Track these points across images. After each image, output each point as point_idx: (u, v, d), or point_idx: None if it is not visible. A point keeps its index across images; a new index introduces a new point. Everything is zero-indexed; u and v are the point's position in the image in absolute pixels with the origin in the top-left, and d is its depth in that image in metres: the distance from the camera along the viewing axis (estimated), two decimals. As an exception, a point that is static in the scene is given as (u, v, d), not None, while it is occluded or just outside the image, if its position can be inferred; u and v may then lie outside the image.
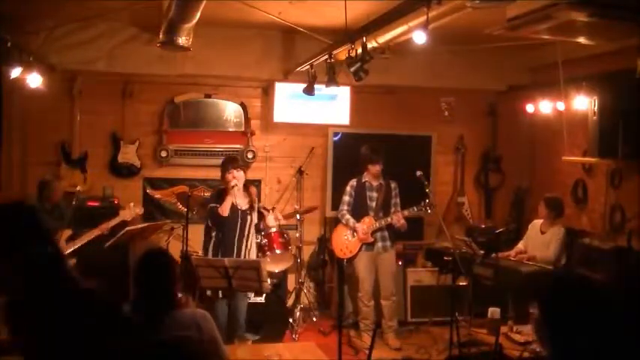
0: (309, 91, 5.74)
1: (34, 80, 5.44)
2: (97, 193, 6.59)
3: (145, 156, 6.83)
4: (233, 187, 5.01)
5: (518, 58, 7.02)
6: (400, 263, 6.61)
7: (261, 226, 5.54)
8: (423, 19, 3.66)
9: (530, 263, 5.57)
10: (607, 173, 6.16)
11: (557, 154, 6.59)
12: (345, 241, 6.09)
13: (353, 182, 6.12)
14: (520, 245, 5.96)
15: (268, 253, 5.76)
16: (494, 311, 4.61)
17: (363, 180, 6.09)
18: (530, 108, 6.77)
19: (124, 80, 6.71)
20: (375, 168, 5.97)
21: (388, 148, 6.13)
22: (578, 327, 2.03)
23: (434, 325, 6.41)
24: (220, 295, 5.07)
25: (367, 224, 5.96)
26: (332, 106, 7.04)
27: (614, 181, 6.08)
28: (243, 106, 7.06)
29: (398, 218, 5.89)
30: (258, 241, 5.66)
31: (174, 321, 3.08)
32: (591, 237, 5.95)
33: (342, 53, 5.04)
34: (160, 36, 5.01)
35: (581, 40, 4.51)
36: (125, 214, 5.65)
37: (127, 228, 5.60)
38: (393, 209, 6.02)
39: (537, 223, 5.90)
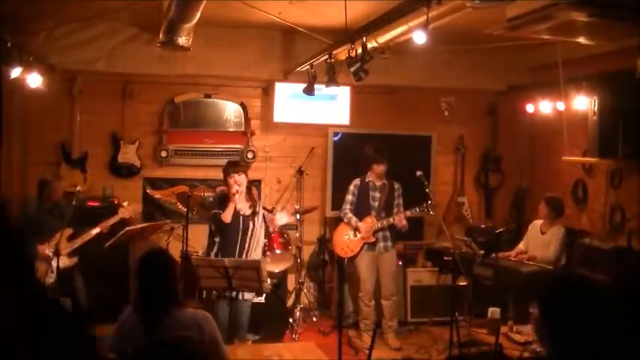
0: (309, 91, 5.74)
1: (34, 80, 5.44)
2: (97, 193, 6.59)
3: (145, 156, 6.83)
4: (234, 194, 5.00)
5: (518, 58, 7.02)
6: (400, 263, 6.62)
7: (270, 229, 5.49)
8: (423, 19, 3.66)
9: (530, 263, 5.57)
10: (607, 173, 6.16)
11: (557, 154, 6.58)
12: (347, 240, 6.10)
13: (357, 181, 6.14)
14: (521, 246, 5.96)
15: (268, 253, 5.76)
16: (494, 311, 4.62)
17: (367, 180, 6.10)
18: (530, 108, 6.76)
19: (124, 80, 6.70)
20: (380, 168, 5.98)
21: (388, 148, 6.14)
22: (578, 327, 2.03)
23: (434, 325, 6.41)
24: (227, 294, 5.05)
25: (369, 224, 5.97)
26: (332, 106, 7.03)
27: (614, 181, 6.08)
28: (243, 106, 7.06)
29: (400, 219, 5.90)
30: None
31: (175, 321, 3.08)
32: (591, 237, 5.94)
33: (342, 53, 5.04)
34: (160, 36, 5.00)
35: (581, 40, 4.50)
36: (124, 212, 5.72)
37: (127, 228, 5.62)
38: (395, 210, 6.03)
39: (537, 223, 5.90)
